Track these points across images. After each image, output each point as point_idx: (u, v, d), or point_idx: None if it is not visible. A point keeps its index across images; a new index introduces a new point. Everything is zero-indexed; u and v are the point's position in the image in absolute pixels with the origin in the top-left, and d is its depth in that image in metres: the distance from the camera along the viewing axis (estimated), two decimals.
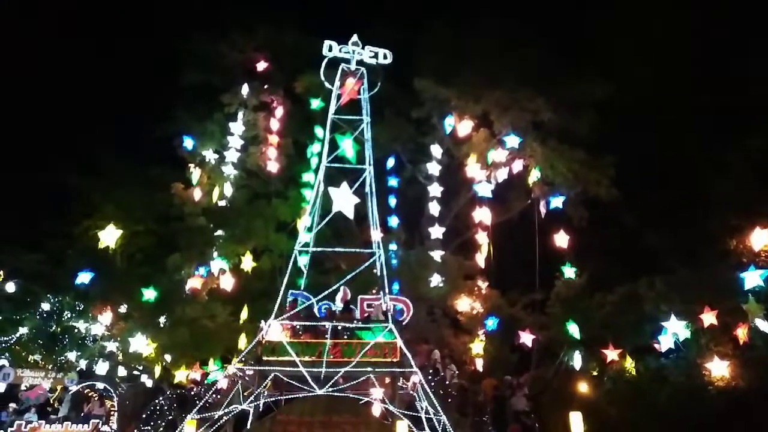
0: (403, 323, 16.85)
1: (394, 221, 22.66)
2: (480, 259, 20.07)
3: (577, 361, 17.37)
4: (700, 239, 19.62)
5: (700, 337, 16.54)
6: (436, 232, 21.06)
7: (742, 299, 15.18)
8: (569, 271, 18.69)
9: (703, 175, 20.79)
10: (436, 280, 19.66)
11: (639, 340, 17.59)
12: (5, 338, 20.44)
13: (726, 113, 20.24)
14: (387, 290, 17.17)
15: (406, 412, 14.10)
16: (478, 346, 17.96)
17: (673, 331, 16.05)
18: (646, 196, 22.50)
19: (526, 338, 17.57)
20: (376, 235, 18.84)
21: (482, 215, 19.81)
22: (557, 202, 19.66)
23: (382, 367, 15.00)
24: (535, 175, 20.19)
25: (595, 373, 18.25)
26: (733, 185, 18.59)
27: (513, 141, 20.04)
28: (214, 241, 19.90)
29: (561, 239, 18.58)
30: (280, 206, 21.76)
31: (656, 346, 17.19)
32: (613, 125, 21.20)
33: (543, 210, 19.79)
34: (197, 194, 20.52)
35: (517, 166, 20.40)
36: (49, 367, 19.99)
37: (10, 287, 20.79)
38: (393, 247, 20.95)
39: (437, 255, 20.47)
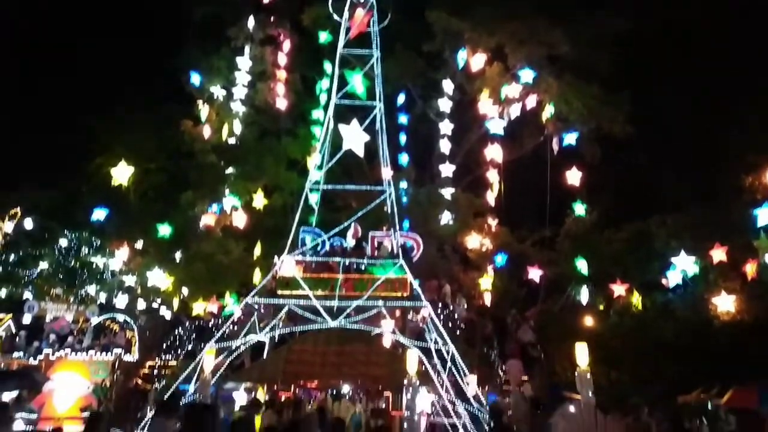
0: (414, 259, 17.11)
1: (404, 159, 22.53)
2: (490, 196, 20.04)
3: (583, 296, 17.69)
4: (714, 177, 19.46)
5: (709, 273, 16.71)
6: (447, 169, 20.93)
7: (754, 236, 15.18)
8: (580, 209, 18.68)
9: (720, 112, 20.35)
10: (446, 217, 19.75)
11: (647, 276, 17.82)
12: (27, 273, 21.11)
13: (747, 50, 19.55)
14: (397, 227, 17.36)
15: (416, 343, 14.57)
16: (486, 282, 18.25)
17: (682, 267, 16.19)
18: (661, 134, 22.17)
19: (534, 274, 17.81)
20: (386, 172, 18.80)
21: (494, 153, 19.61)
22: (570, 138, 19.37)
23: (392, 301, 15.36)
24: (549, 111, 19.80)
25: (601, 308, 18.61)
26: (752, 122, 18.23)
27: (528, 75, 19.51)
28: (225, 178, 20.00)
29: (573, 177, 18.44)
30: (289, 144, 21.66)
31: (664, 281, 17.43)
32: (630, 61, 20.60)
33: (556, 147, 19.54)
34: (206, 131, 20.44)
35: (531, 101, 19.97)
36: (71, 300, 20.72)
37: (29, 224, 21.25)
38: (403, 184, 20.94)
39: (447, 192, 20.45)
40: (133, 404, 14.68)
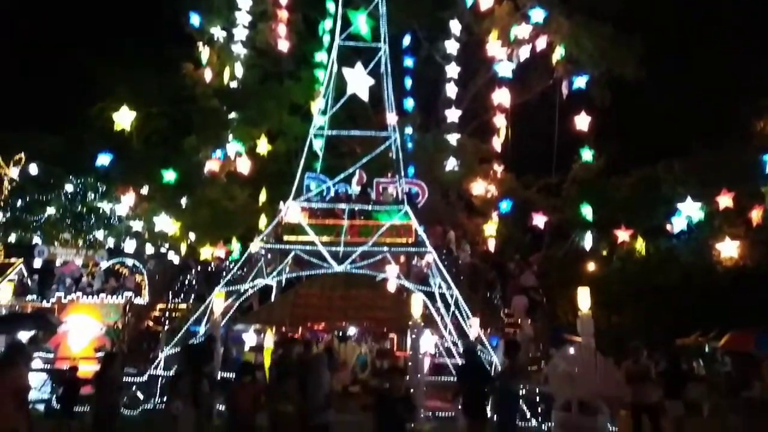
0: (418, 206, 17.13)
1: (409, 103, 22.10)
2: (497, 142, 19.78)
3: (587, 241, 17.78)
4: (725, 121, 19.14)
5: (714, 219, 16.72)
6: (453, 114, 20.56)
7: (762, 182, 15.08)
8: (587, 154, 18.48)
9: (733, 57, 19.77)
10: (451, 163, 19.57)
11: (652, 222, 17.85)
12: (35, 218, 21.30)
13: None
14: (402, 173, 17.29)
15: (420, 287, 14.81)
16: (491, 228, 18.31)
17: (688, 213, 16.16)
18: (672, 78, 21.63)
19: (539, 220, 17.83)
20: (391, 117, 18.52)
21: (501, 97, 19.19)
22: (581, 81, 18.90)
23: (398, 247, 15.50)
24: (559, 53, 19.23)
25: (604, 253, 18.78)
26: (765, 66, 17.74)
27: (538, 15, 18.83)
28: (228, 123, 19.75)
29: (581, 121, 18.12)
30: (292, 87, 21.23)
31: (668, 227, 17.47)
32: (642, 1, 19.83)
33: (565, 90, 19.09)
34: (208, 75, 20.01)
35: (541, 43, 19.35)
36: (80, 245, 20.98)
37: (33, 169, 21.24)
38: (408, 130, 20.64)
39: (453, 138, 20.18)
40: (146, 345, 15.14)
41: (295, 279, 17.59)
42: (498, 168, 19.80)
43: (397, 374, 6.45)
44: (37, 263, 20.41)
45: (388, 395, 6.16)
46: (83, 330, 14.87)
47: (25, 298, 17.64)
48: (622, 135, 19.93)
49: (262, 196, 19.59)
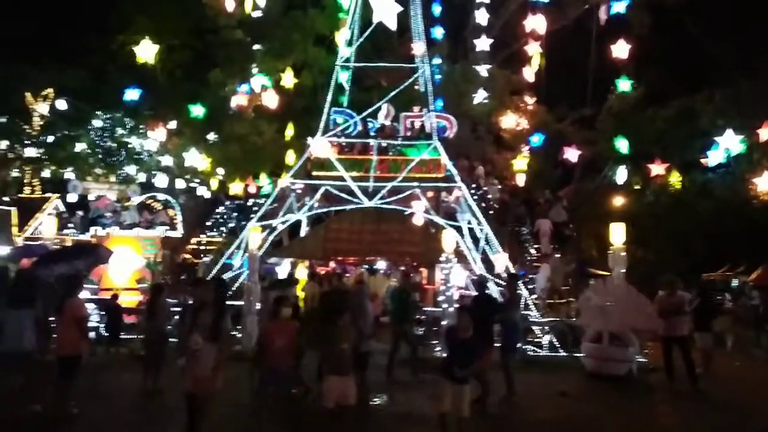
0: (447, 140, 16.88)
1: (438, 32, 21.27)
2: (529, 72, 19.07)
3: (620, 175, 17.47)
4: None
5: (753, 153, 16.21)
6: (483, 43, 19.75)
7: None
8: (624, 84, 17.73)
9: None
10: (481, 95, 19.06)
11: (688, 155, 17.40)
12: (66, 154, 21.62)
13: None
14: (431, 106, 16.94)
15: (449, 222, 14.87)
16: (520, 162, 18.05)
17: (726, 146, 15.64)
18: (714, 2, 20.33)
19: (571, 154, 17.46)
20: (419, 47, 17.92)
21: (535, 23, 18.24)
22: (620, 6, 17.85)
23: (427, 182, 15.45)
24: None
25: (637, 187, 18.49)
26: None
27: None
28: (252, 55, 19.35)
29: (619, 49, 17.27)
30: (316, 17, 20.53)
31: (704, 161, 17.01)
32: None
33: (603, 16, 18.11)
34: (229, 4, 19.40)
35: None
36: (112, 180, 21.34)
37: (62, 104, 21.31)
38: (437, 61, 20.00)
39: (483, 69, 19.53)
40: (184, 277, 15.67)
41: (324, 214, 17.80)
42: (529, 100, 19.23)
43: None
44: (72, 198, 20.88)
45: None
46: (124, 262, 15.37)
47: (64, 232, 18.27)
48: (660, 64, 19.08)
49: (289, 132, 19.49)
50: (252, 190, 18.75)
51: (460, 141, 17.94)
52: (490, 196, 17.52)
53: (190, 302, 7.83)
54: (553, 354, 12.03)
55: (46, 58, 22.39)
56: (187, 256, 17.12)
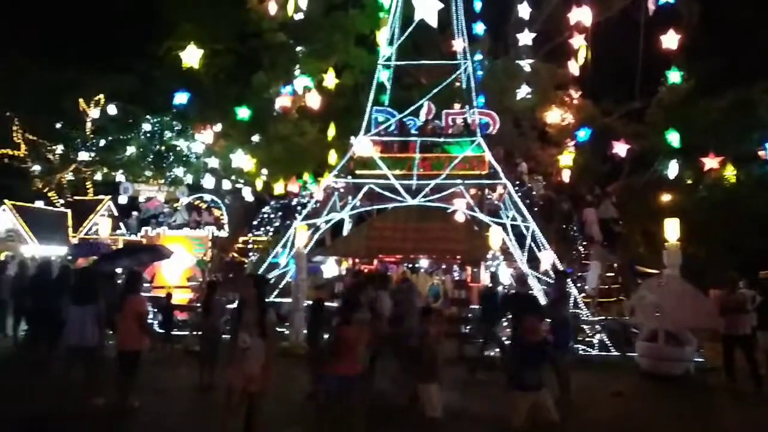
0: (489, 137, 16.70)
1: (479, 28, 21.04)
2: (573, 66, 18.59)
3: (672, 170, 16.86)
4: None
5: None
6: (525, 37, 19.40)
7: None
8: (675, 76, 17.09)
9: None
10: (524, 91, 18.75)
11: (744, 148, 16.67)
12: (117, 157, 22.43)
13: None
14: (474, 102, 16.80)
15: (494, 219, 14.71)
16: (566, 158, 17.65)
17: None
18: None
19: (620, 148, 16.96)
20: (460, 43, 17.81)
21: (580, 15, 17.82)
22: None
23: (470, 179, 15.32)
24: None
25: (689, 182, 17.83)
26: None
27: None
28: (295, 57, 19.61)
29: (669, 39, 16.69)
30: (357, 17, 20.63)
31: (761, 153, 16.30)
32: None
33: (651, 6, 17.52)
34: (272, 7, 19.72)
35: None
36: (161, 182, 22.01)
37: (112, 109, 22.09)
38: (478, 57, 19.80)
39: (526, 64, 19.22)
40: (233, 275, 16.00)
41: (366, 213, 17.88)
42: (575, 94, 18.78)
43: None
44: (123, 200, 21.64)
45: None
46: (176, 261, 15.81)
47: (117, 232, 18.97)
48: (713, 54, 18.32)
49: (331, 131, 19.66)
50: (294, 189, 19.02)
51: (503, 137, 17.68)
52: (534, 193, 17.22)
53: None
54: (604, 353, 11.75)
55: (97, 64, 23.27)
56: (235, 255, 17.48)
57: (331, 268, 15.73)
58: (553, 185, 17.86)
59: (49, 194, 23.92)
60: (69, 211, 21.41)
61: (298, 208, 17.21)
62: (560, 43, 19.91)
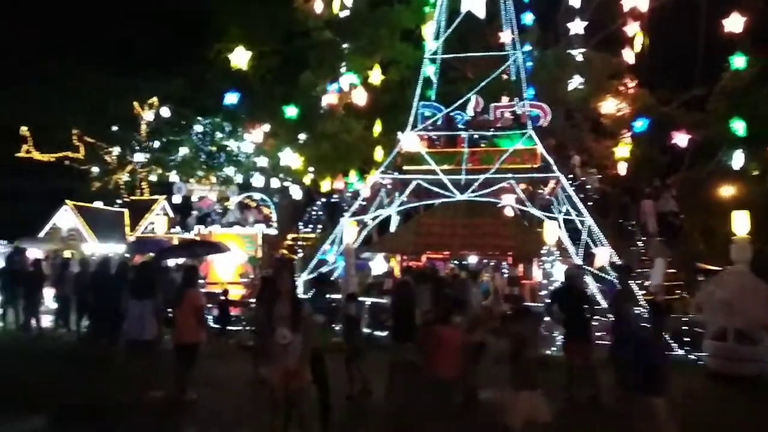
0: (540, 129, 16.24)
1: (528, 18, 20.52)
2: (628, 54, 17.87)
3: (736, 160, 15.93)
4: None
5: None
6: (577, 26, 18.81)
7: None
8: (739, 61, 16.12)
9: None
10: (576, 81, 18.16)
11: None
12: (171, 158, 23.14)
13: None
14: (524, 94, 16.39)
15: (546, 214, 14.29)
16: (622, 150, 16.95)
17: None
18: None
19: (680, 139, 16.15)
20: (507, 35, 17.42)
21: (635, 1, 17.10)
22: None
23: (521, 173, 14.94)
24: None
25: (755, 173, 16.82)
26: None
27: None
28: (342, 54, 19.68)
29: (733, 23, 15.76)
30: (402, 12, 20.54)
31: None
32: None
33: None
34: (318, 6, 19.84)
35: None
36: (213, 181, 22.55)
37: (166, 112, 22.78)
38: (527, 47, 19.29)
39: (578, 53, 18.59)
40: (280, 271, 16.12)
41: (413, 209, 17.73)
42: (630, 83, 18.02)
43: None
44: (177, 199, 22.27)
45: None
46: (229, 258, 16.11)
47: (171, 231, 19.52)
48: None
49: (377, 128, 19.63)
50: (340, 186, 19.10)
51: (554, 129, 17.17)
52: (588, 187, 16.63)
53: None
54: (667, 352, 11.16)
55: (150, 69, 24.06)
56: (284, 252, 17.67)
57: (379, 264, 15.65)
58: (609, 178, 17.20)
59: (107, 194, 24.92)
60: (126, 211, 22.21)
61: (344, 205, 17.22)
62: (613, 31, 19.20)
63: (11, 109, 22.93)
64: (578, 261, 13.30)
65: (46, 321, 13.06)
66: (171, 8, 24.69)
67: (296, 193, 20.06)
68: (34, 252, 16.27)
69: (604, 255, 13.28)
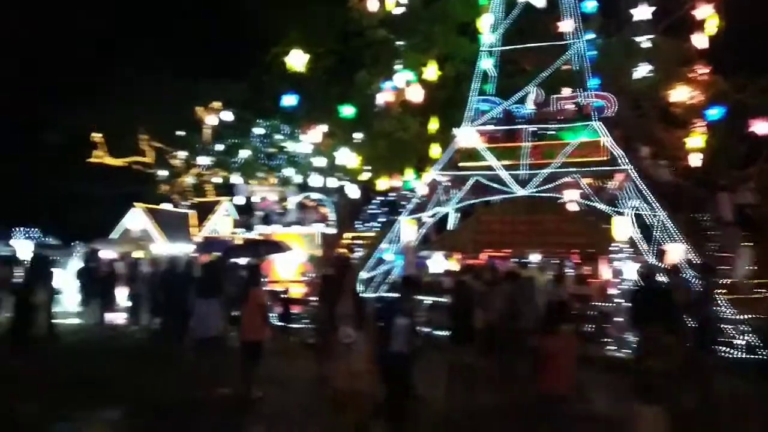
0: (606, 120, 15.54)
1: (589, 5, 19.66)
2: (700, 39, 16.79)
3: None
4: None
5: None
6: (643, 12, 17.86)
7: None
8: None
9: None
10: (643, 69, 17.26)
11: None
12: (233, 160, 23.84)
13: None
14: (586, 85, 15.76)
15: (615, 209, 13.66)
16: (695, 140, 15.93)
17: None
18: None
19: (759, 127, 15.02)
20: (569, 24, 16.80)
21: None
22: None
23: (587, 167, 14.35)
24: None
25: None
26: None
27: None
28: (397, 52, 19.60)
29: None
30: (458, 5, 20.22)
31: None
32: None
33: None
34: (373, 4, 19.84)
35: None
36: (273, 182, 23.03)
37: (227, 116, 23.45)
38: (590, 36, 18.51)
39: (644, 39, 17.66)
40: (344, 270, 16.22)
41: (470, 206, 17.40)
42: (703, 69, 16.94)
43: None
44: (239, 200, 22.88)
45: None
46: (290, 257, 16.37)
47: (234, 231, 20.08)
48: None
49: (433, 125, 19.42)
50: (397, 184, 19.01)
51: (621, 120, 16.39)
52: (659, 180, 15.78)
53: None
54: (751, 356, 10.40)
55: (212, 74, 24.87)
56: (343, 251, 17.77)
57: (437, 262, 15.46)
58: (681, 170, 16.26)
59: (173, 197, 25.95)
60: (192, 212, 23.04)
61: (402, 203, 17.13)
62: (683, 14, 18.11)
63: (85, 118, 24.28)
64: (651, 258, 12.60)
65: (120, 318, 13.70)
66: (231, 15, 25.38)
67: (353, 192, 20.15)
68: (107, 253, 17.13)
69: (678, 251, 12.55)
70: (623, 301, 10.87)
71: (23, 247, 19.59)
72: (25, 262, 14.29)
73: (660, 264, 12.31)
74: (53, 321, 7.37)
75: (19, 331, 6.65)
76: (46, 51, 27.41)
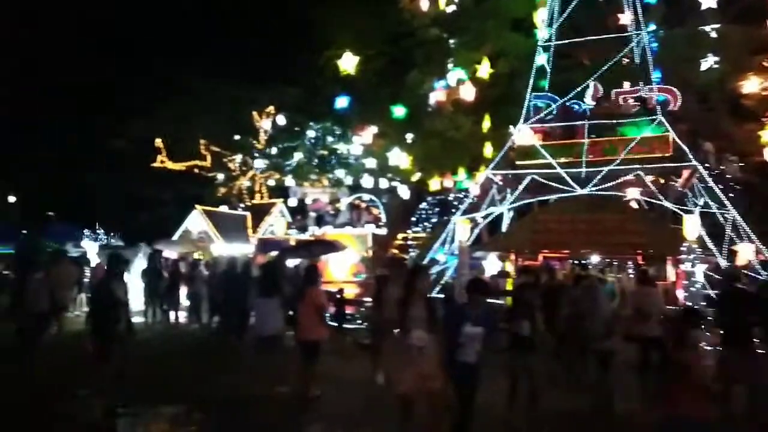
0: (670, 115, 14.82)
1: None
2: None
3: None
4: None
5: None
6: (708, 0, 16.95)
7: None
8: None
9: None
10: (710, 60, 16.38)
11: None
12: (287, 163, 24.31)
13: None
14: (649, 78, 15.09)
15: (682, 208, 12.99)
16: None
17: None
18: None
19: None
20: (629, 16, 16.20)
21: None
22: None
23: (651, 163, 13.71)
24: None
25: None
26: None
27: None
28: (449, 51, 19.41)
29: None
30: (511, 1, 19.84)
31: None
32: None
33: None
34: (424, 4, 19.73)
35: None
36: (325, 184, 23.31)
37: (281, 120, 23.93)
38: (651, 27, 17.76)
39: (710, 29, 16.76)
40: (397, 271, 16.17)
41: (526, 206, 17.00)
42: None
43: None
44: (292, 202, 23.27)
45: None
46: (343, 257, 16.47)
47: (288, 232, 20.39)
48: None
49: (486, 123, 19.11)
50: (449, 184, 18.81)
51: (686, 114, 15.61)
52: (728, 176, 14.92)
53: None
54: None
55: (267, 79, 25.40)
56: (395, 251, 17.74)
57: (492, 264, 15.17)
58: (753, 166, 15.31)
59: (231, 199, 26.70)
60: (248, 214, 23.60)
61: (455, 203, 16.91)
62: (750, 2, 17.06)
63: (149, 125, 25.34)
64: (720, 259, 11.91)
65: (182, 317, 14.13)
66: (286, 21, 25.88)
67: (404, 192, 20.09)
68: (169, 253, 17.74)
69: (750, 251, 11.80)
70: (694, 304, 10.28)
71: (92, 248, 20.57)
72: (97, 262, 15.02)
73: (730, 265, 11.63)
74: (130, 318, 7.61)
75: (103, 329, 6.86)
76: (118, 66, 28.87)
